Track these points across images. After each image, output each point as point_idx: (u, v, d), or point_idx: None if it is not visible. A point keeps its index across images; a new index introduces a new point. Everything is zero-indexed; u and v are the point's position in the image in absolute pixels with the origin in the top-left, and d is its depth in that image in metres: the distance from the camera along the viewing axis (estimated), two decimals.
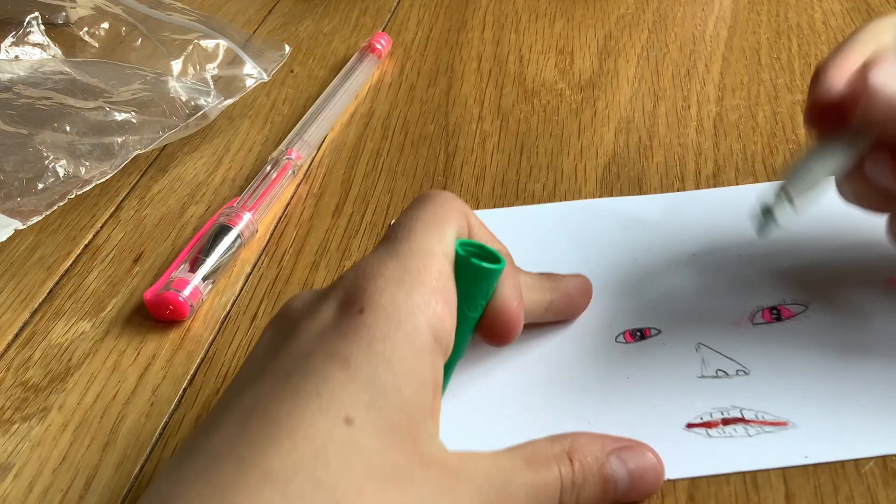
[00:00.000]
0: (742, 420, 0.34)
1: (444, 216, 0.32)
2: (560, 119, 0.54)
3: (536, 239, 0.44)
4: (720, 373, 0.36)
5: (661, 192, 0.47)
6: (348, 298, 0.29)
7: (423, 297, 0.29)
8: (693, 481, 0.32)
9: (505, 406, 0.36)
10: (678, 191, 0.47)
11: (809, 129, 0.35)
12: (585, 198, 0.47)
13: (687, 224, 0.43)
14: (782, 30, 0.60)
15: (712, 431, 0.34)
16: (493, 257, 0.32)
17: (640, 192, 0.47)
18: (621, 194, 0.47)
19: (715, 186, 0.47)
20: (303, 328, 0.28)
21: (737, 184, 0.47)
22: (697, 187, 0.47)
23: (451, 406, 0.36)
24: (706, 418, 0.34)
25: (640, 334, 0.38)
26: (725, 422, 0.34)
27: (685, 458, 0.33)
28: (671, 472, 0.32)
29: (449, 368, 0.34)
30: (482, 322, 0.33)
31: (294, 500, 0.24)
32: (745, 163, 0.48)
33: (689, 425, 0.34)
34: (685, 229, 0.43)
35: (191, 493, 0.24)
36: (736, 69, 0.57)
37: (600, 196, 0.47)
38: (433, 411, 0.29)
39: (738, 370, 0.36)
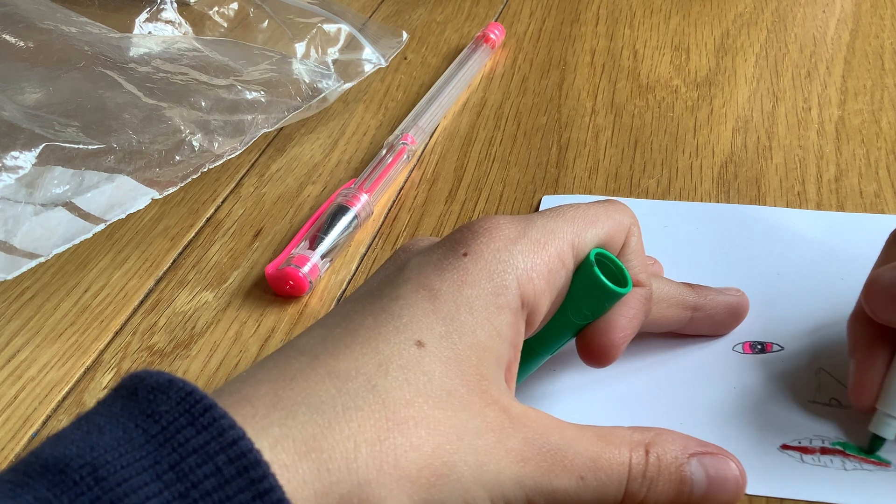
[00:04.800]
0: (842, 452, 0.33)
1: (596, 218, 0.32)
2: (675, 116, 0.53)
3: (681, 235, 0.44)
4: (833, 401, 0.35)
5: (781, 194, 0.46)
6: (460, 240, 0.30)
7: (525, 263, 0.30)
8: (770, 500, 0.32)
9: (598, 394, 0.36)
10: (798, 193, 0.46)
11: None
12: (701, 196, 0.46)
13: (846, 247, 0.41)
14: None
15: (807, 457, 0.33)
16: (620, 279, 0.32)
17: (759, 192, 0.46)
18: (739, 194, 0.46)
19: (837, 191, 0.46)
20: (412, 261, 0.30)
21: (860, 189, 0.46)
22: (819, 191, 0.46)
23: (547, 387, 0.36)
24: (804, 443, 0.33)
25: (760, 347, 0.38)
26: (824, 451, 0.33)
27: (772, 476, 0.32)
28: (753, 488, 0.32)
29: (535, 357, 0.34)
30: (582, 335, 0.33)
31: (348, 396, 0.25)
32: (869, 168, 0.47)
33: (785, 446, 0.33)
34: (843, 251, 0.41)
35: (264, 376, 0.26)
36: (858, 73, 0.55)
37: (717, 194, 0.46)
38: (509, 368, 0.29)
39: None
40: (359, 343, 0.27)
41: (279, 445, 0.24)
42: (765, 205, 0.45)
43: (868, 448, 0.33)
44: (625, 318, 0.33)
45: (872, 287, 0.32)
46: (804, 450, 0.33)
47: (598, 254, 0.32)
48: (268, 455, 0.23)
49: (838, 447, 0.33)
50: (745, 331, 0.38)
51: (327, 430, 0.24)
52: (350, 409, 0.25)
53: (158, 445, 0.22)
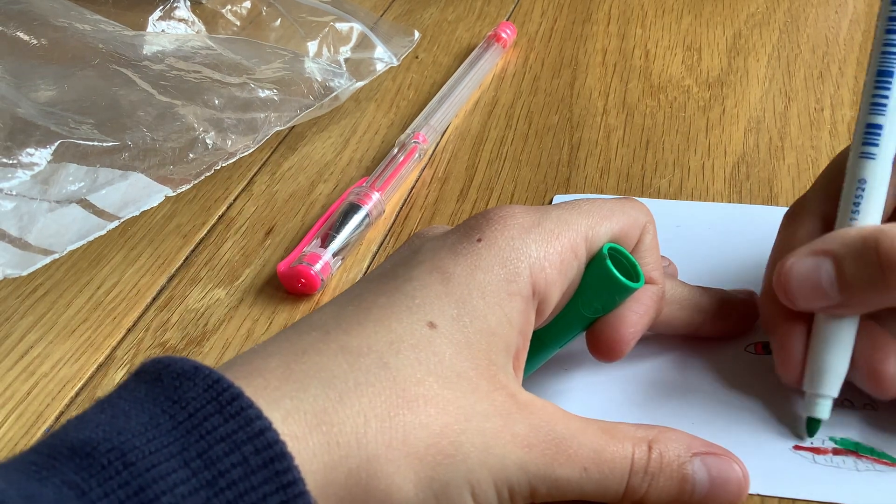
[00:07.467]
0: (855, 453, 0.33)
1: (611, 213, 0.32)
2: (687, 116, 0.53)
3: (693, 235, 0.44)
4: (846, 402, 0.35)
5: (794, 195, 0.46)
6: (475, 226, 0.30)
7: (538, 252, 0.30)
8: (782, 501, 0.32)
9: (609, 393, 0.36)
10: None
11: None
12: (713, 196, 0.46)
13: None
14: None
15: (819, 458, 0.33)
16: (632, 274, 0.32)
17: (771, 193, 0.46)
18: (751, 195, 0.46)
19: None
20: (427, 245, 0.31)
21: None
22: None
23: (558, 386, 0.36)
24: (817, 444, 0.33)
25: None
26: (836, 451, 0.33)
27: (784, 477, 0.32)
28: (765, 489, 0.32)
29: (544, 349, 0.34)
30: (592, 329, 0.33)
31: (359, 372, 0.26)
32: None
33: (797, 447, 0.33)
34: None
35: (276, 349, 0.26)
36: None
37: (729, 195, 0.46)
38: (517, 356, 0.30)
39: (865, 403, 0.34)
40: (371, 321, 0.27)
41: (290, 417, 0.24)
42: (777, 205, 0.45)
43: (807, 432, 0.33)
44: (635, 313, 0.33)
45: (787, 276, 0.32)
46: (816, 450, 0.33)
47: (611, 248, 0.32)
48: (279, 427, 0.23)
49: (850, 448, 0.33)
50: (758, 331, 0.38)
51: (338, 404, 0.25)
52: (361, 384, 0.25)
53: (186, 432, 0.22)
